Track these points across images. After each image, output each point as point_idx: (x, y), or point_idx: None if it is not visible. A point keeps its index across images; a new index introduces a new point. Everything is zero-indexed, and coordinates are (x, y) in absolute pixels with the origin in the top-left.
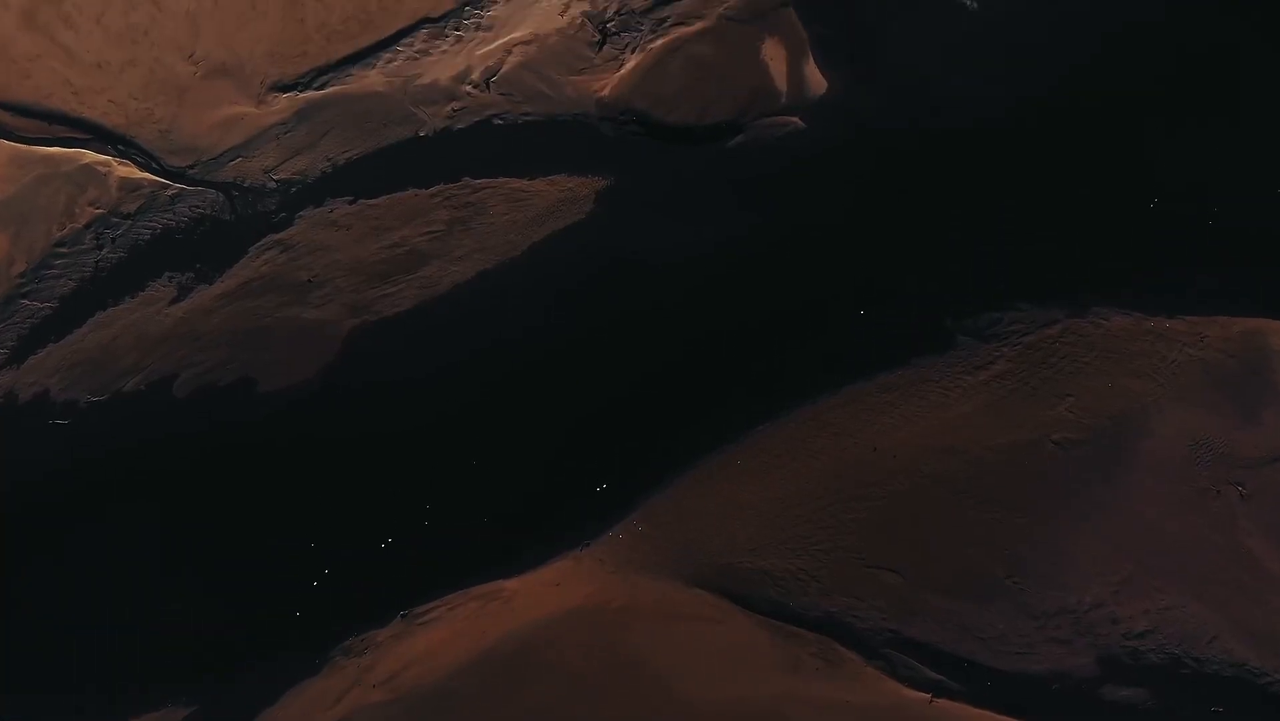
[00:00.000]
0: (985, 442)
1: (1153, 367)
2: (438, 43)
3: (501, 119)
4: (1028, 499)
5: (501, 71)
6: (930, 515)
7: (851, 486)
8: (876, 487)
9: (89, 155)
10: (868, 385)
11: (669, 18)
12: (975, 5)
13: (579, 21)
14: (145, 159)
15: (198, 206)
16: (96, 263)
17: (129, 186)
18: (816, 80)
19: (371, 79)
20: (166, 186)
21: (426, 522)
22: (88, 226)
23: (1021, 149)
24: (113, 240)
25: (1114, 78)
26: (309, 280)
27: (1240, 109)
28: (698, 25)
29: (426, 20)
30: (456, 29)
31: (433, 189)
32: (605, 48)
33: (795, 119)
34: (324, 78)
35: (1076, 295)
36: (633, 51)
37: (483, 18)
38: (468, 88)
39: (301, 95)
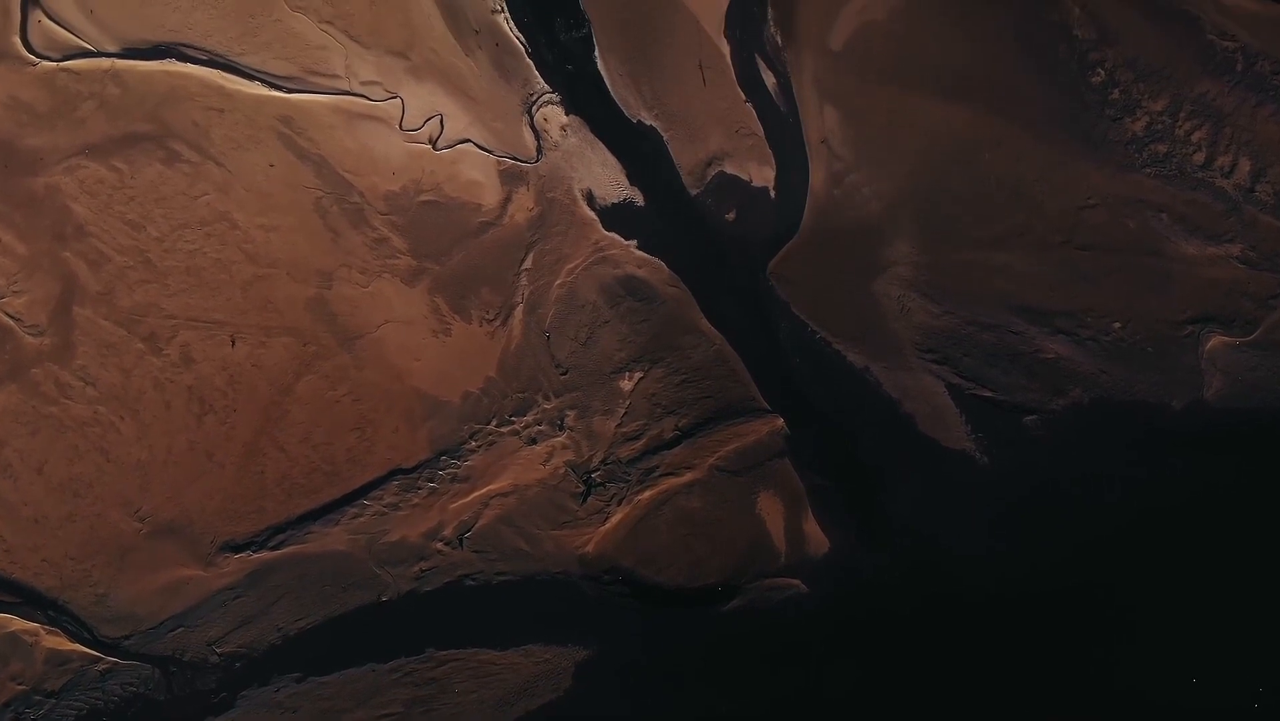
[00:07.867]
0: None
1: None
2: (409, 495)
3: (474, 579)
4: None
5: (477, 526)
6: None
7: None
8: None
9: (16, 622)
10: None
11: (657, 468)
12: (985, 459)
13: (562, 471)
14: (77, 627)
15: (130, 684)
16: None
17: (56, 660)
18: (817, 538)
19: (333, 537)
20: (98, 660)
21: None
22: (7, 705)
23: (1041, 618)
24: None
25: (1138, 535)
26: None
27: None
28: (688, 476)
29: (399, 471)
30: (430, 480)
31: (392, 663)
32: (590, 499)
33: (796, 581)
34: (280, 536)
35: None
36: (619, 504)
37: (459, 467)
38: (439, 545)
39: (255, 556)
